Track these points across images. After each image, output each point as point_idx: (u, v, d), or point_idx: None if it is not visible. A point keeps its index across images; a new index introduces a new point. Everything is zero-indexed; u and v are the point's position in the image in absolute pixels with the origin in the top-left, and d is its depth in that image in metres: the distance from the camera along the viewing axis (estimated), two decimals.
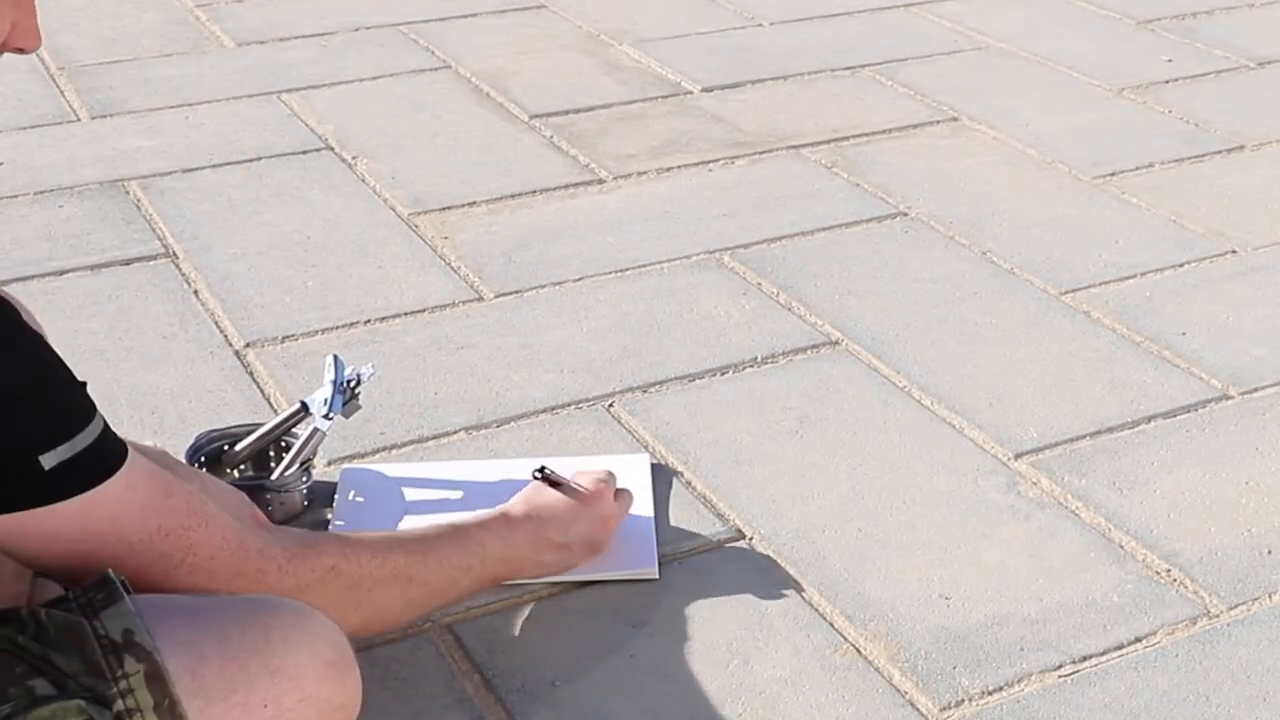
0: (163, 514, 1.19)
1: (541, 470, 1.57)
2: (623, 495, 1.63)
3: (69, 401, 1.15)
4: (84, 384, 1.17)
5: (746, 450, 1.82)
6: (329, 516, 1.67)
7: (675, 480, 1.76)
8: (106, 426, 1.16)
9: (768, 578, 1.60)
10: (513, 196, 2.48)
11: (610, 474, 1.63)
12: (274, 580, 1.26)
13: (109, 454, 1.16)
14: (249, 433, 1.73)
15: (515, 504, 1.54)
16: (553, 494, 1.56)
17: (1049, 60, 3.13)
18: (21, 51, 1.14)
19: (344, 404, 1.68)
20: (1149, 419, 1.89)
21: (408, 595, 1.39)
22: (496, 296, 2.16)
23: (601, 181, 2.54)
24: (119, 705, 1.05)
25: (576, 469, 1.62)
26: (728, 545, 1.65)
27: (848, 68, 3.07)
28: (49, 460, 1.11)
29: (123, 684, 1.05)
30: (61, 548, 1.15)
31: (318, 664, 1.15)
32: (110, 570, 1.12)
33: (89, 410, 1.15)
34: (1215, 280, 2.24)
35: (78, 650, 1.06)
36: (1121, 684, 1.46)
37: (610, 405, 1.90)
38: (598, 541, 1.58)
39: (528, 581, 1.57)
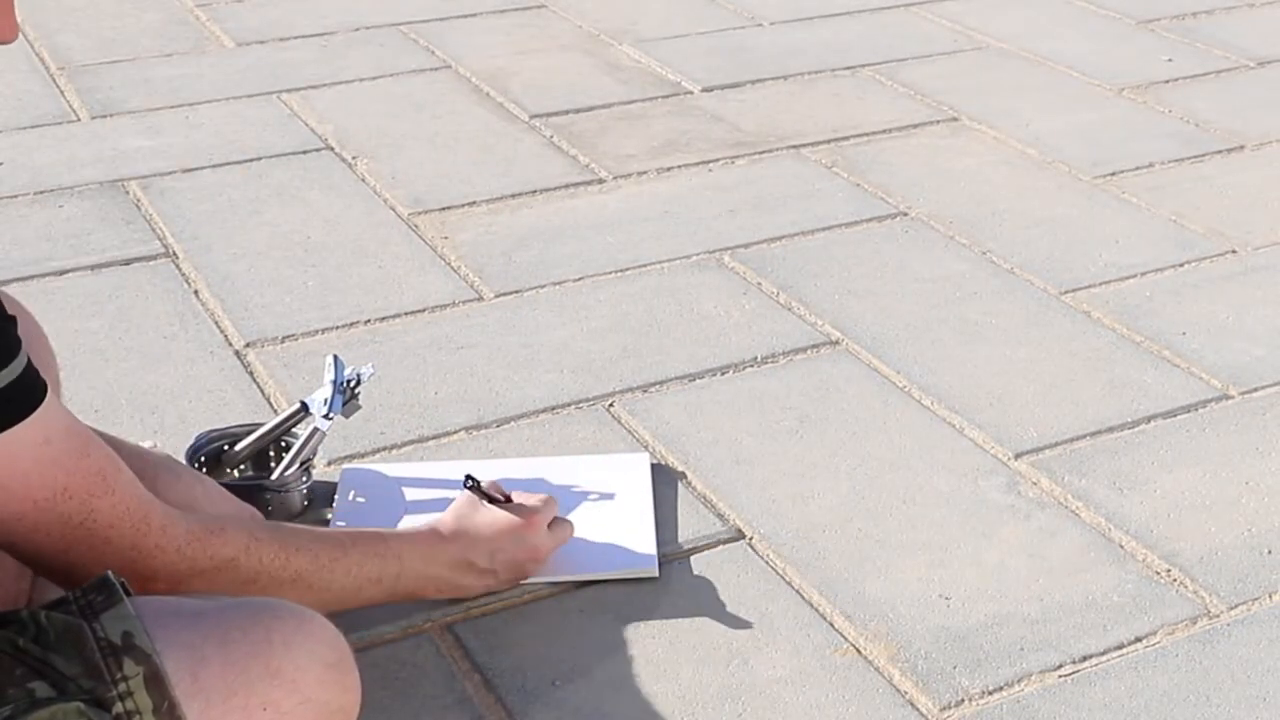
0: (72, 474, 1.17)
1: (470, 479, 1.53)
2: (561, 525, 1.60)
3: None
4: (13, 319, 1.14)
5: (746, 450, 1.82)
6: (329, 516, 1.67)
7: (675, 480, 1.76)
8: (29, 364, 1.13)
9: (768, 578, 1.60)
10: (513, 196, 2.48)
11: (551, 500, 1.59)
12: (170, 559, 1.24)
13: (30, 393, 1.13)
14: (249, 433, 1.73)
15: (447, 520, 1.51)
16: (488, 513, 1.52)
17: (1049, 60, 3.13)
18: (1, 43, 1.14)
19: (344, 404, 1.68)
20: (1149, 419, 1.89)
21: (305, 598, 1.34)
22: (496, 296, 2.16)
23: (601, 181, 2.54)
24: (118, 708, 1.05)
25: (562, 483, 1.60)
26: (728, 545, 1.65)
27: (848, 68, 3.07)
28: None
29: (122, 686, 1.05)
30: None
31: (318, 667, 1.15)
32: (110, 572, 1.12)
33: (15, 344, 1.12)
34: (1215, 280, 2.24)
35: (77, 653, 1.06)
36: (1121, 684, 1.46)
37: (610, 405, 1.90)
38: (524, 569, 1.56)
39: (530, 581, 1.57)
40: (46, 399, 1.14)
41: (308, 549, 1.37)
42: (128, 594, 1.10)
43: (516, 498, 1.56)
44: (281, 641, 1.13)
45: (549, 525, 1.58)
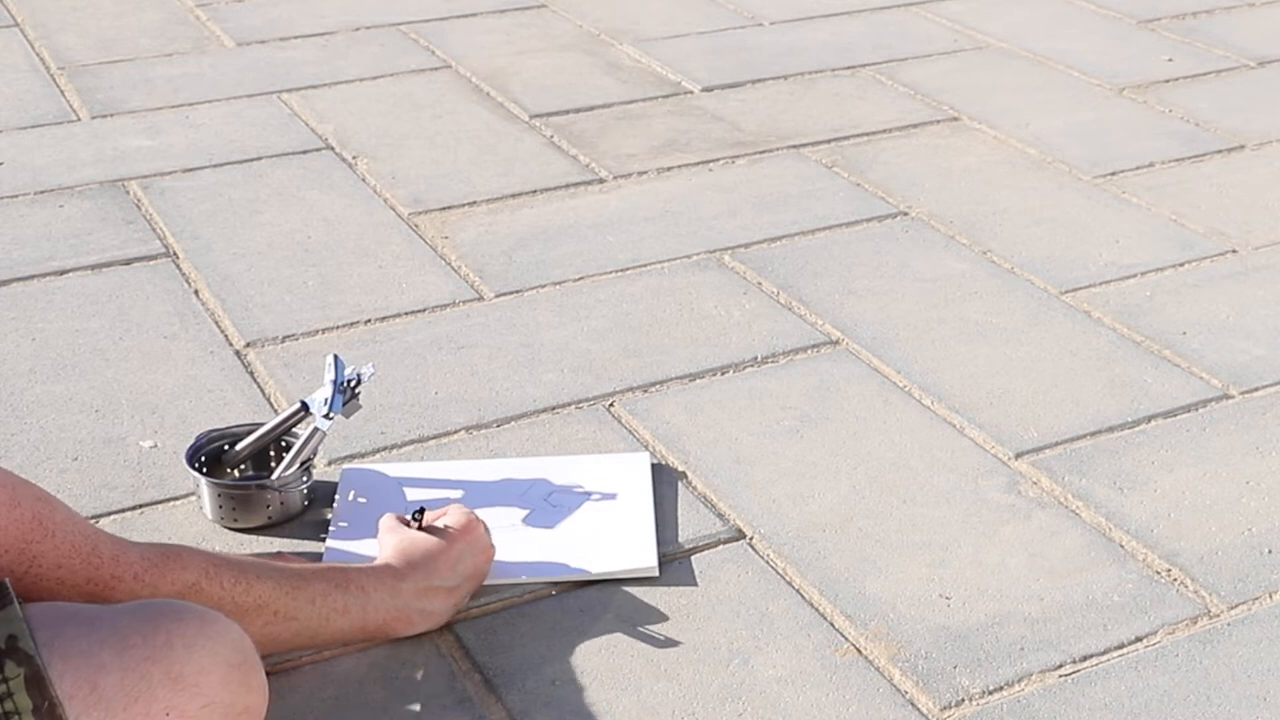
0: (3, 530, 1.16)
1: (421, 512, 1.52)
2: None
3: None
4: None
5: (746, 450, 1.82)
6: (329, 516, 1.67)
7: (675, 480, 1.76)
8: None
9: (768, 578, 1.60)
10: (513, 196, 2.48)
11: (458, 506, 1.57)
12: (129, 588, 1.23)
13: None
14: (249, 433, 1.73)
15: (394, 556, 1.48)
16: (426, 539, 1.50)
17: (1049, 60, 3.13)
18: None
19: (344, 404, 1.68)
20: (1149, 419, 1.89)
21: (271, 628, 1.35)
22: (497, 296, 2.16)
23: (602, 181, 2.54)
24: None
25: (446, 510, 1.57)
26: (728, 545, 1.65)
27: (848, 67, 3.07)
28: None
29: (1, 688, 1.04)
30: None
31: (221, 668, 1.13)
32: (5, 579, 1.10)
33: None
34: (1216, 280, 2.24)
35: None
36: (1122, 684, 1.46)
37: (610, 405, 1.90)
38: (482, 573, 1.54)
39: (529, 581, 1.57)
40: None
41: (268, 576, 1.35)
42: (18, 598, 1.08)
43: (434, 517, 1.54)
44: (183, 645, 1.12)
45: None
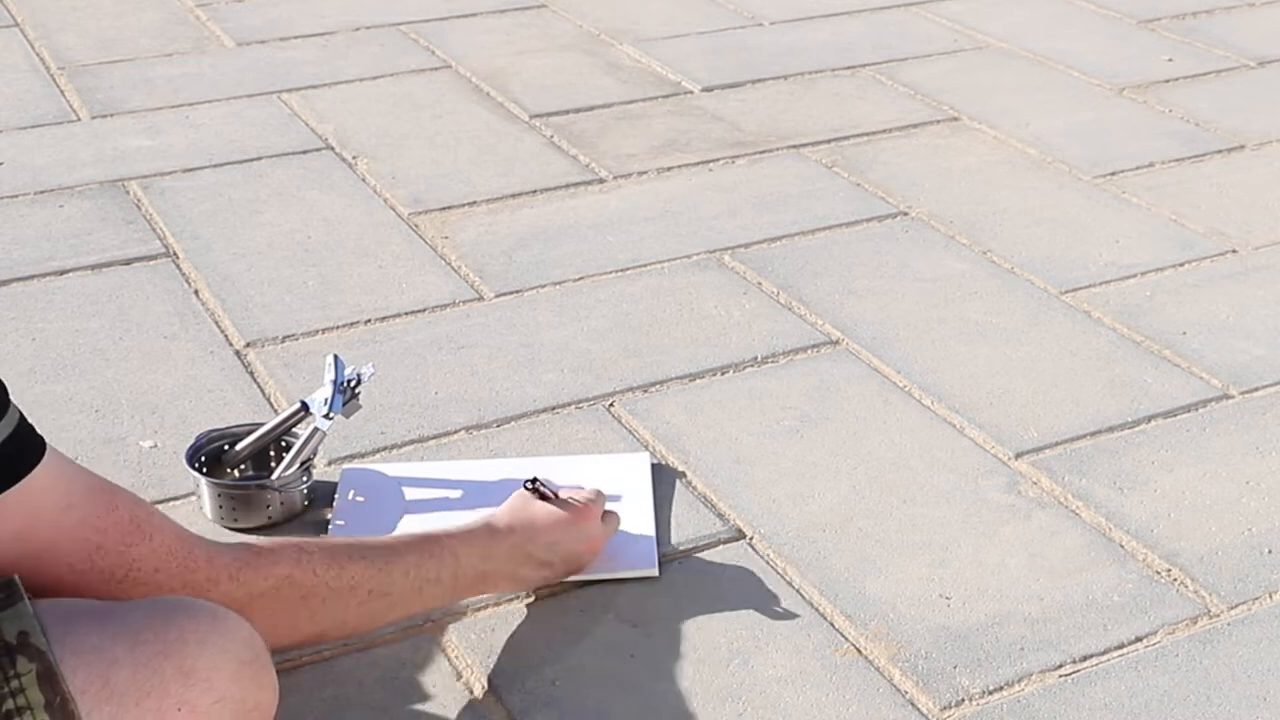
0: (103, 531, 1.17)
1: (533, 481, 1.55)
2: (610, 517, 1.61)
3: None
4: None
5: (746, 450, 1.82)
6: (329, 516, 1.67)
7: (675, 480, 1.76)
8: (23, 418, 1.12)
9: (768, 578, 1.60)
10: (513, 196, 2.48)
11: (600, 494, 1.60)
12: (226, 590, 1.24)
13: (27, 448, 1.12)
14: (249, 433, 1.73)
15: (500, 515, 1.51)
16: (541, 507, 1.53)
17: (1049, 60, 3.13)
18: None
19: (344, 404, 1.68)
20: (1149, 419, 1.89)
21: (367, 606, 1.36)
22: (497, 296, 2.16)
23: (602, 181, 2.54)
24: (9, 705, 1.03)
25: (569, 485, 1.60)
26: (728, 545, 1.65)
27: (848, 67, 3.07)
28: None
29: (14, 684, 1.04)
30: None
31: (232, 664, 1.13)
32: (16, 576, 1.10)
33: (3, 402, 1.11)
34: (1216, 280, 2.24)
35: None
36: (1122, 684, 1.46)
37: (610, 405, 1.90)
38: (580, 560, 1.56)
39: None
40: (47, 460, 1.12)
41: (359, 556, 1.35)
42: (28, 595, 1.08)
43: (564, 494, 1.57)
44: (196, 640, 1.11)
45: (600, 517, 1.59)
